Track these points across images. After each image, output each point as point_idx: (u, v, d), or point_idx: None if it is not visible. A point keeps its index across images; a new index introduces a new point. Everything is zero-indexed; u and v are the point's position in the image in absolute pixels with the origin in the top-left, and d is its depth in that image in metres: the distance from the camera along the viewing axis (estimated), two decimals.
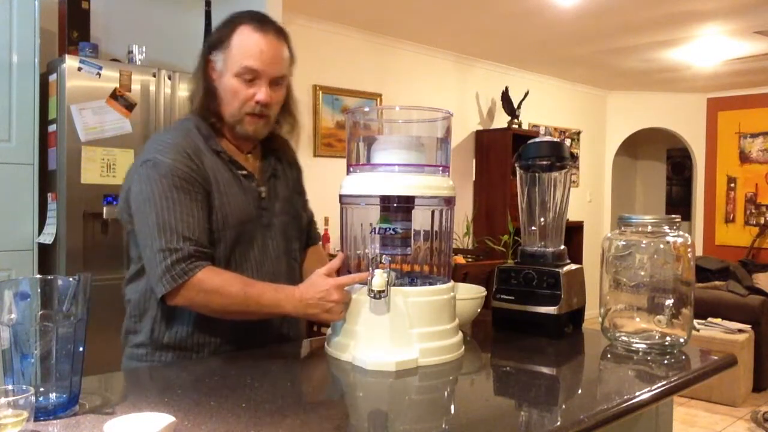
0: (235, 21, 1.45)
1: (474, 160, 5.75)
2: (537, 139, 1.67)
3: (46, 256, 2.74)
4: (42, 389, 0.97)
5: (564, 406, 1.16)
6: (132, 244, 1.47)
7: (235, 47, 1.42)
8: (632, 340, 1.48)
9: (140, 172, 1.39)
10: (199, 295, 1.34)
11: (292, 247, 1.57)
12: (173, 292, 1.33)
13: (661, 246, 1.50)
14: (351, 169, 1.43)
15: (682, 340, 1.48)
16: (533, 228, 1.68)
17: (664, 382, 1.25)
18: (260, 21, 1.45)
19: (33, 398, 0.89)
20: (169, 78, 2.96)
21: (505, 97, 5.64)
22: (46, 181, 2.78)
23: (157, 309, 1.42)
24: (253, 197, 1.48)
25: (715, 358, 1.45)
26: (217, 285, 1.34)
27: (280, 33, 1.47)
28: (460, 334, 1.39)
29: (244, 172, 1.48)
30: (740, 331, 4.36)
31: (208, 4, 3.25)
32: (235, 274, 1.39)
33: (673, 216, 1.52)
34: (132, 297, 1.47)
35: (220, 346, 1.44)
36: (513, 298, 1.60)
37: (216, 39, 1.46)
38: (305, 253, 1.68)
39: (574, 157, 6.78)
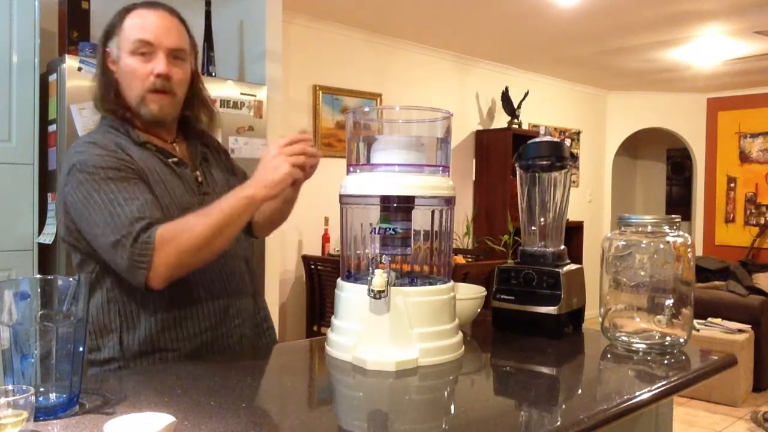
0: (125, 8, 1.43)
1: (474, 160, 5.75)
2: (537, 139, 1.66)
3: (46, 256, 2.74)
4: (42, 389, 0.97)
5: (564, 406, 1.16)
6: (76, 266, 1.40)
7: (126, 29, 1.40)
8: (632, 340, 1.48)
9: (69, 181, 1.32)
10: (170, 249, 1.24)
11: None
12: (152, 271, 1.24)
13: (661, 246, 1.50)
14: (351, 169, 1.43)
15: (682, 340, 1.48)
16: (533, 228, 1.68)
17: (664, 382, 1.25)
18: (151, 3, 1.43)
19: (33, 398, 0.89)
20: None
21: (505, 97, 5.64)
22: (46, 181, 2.77)
23: (120, 318, 1.36)
24: (191, 183, 1.45)
25: (715, 358, 1.45)
26: (176, 226, 1.26)
27: (174, 12, 1.45)
28: (460, 334, 1.39)
29: (175, 159, 1.44)
30: (740, 331, 4.37)
31: (208, 4, 3.25)
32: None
33: (673, 216, 1.51)
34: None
35: (194, 336, 1.38)
36: (513, 298, 1.60)
37: (108, 29, 1.44)
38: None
39: (574, 157, 6.75)
